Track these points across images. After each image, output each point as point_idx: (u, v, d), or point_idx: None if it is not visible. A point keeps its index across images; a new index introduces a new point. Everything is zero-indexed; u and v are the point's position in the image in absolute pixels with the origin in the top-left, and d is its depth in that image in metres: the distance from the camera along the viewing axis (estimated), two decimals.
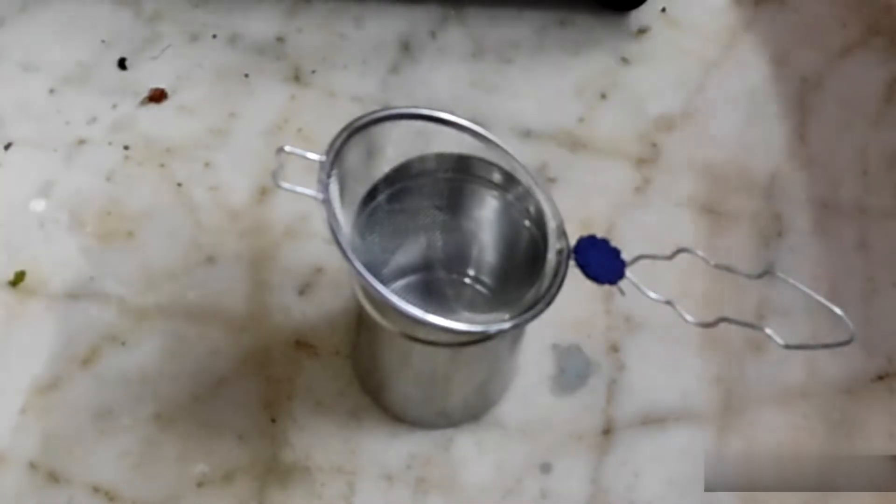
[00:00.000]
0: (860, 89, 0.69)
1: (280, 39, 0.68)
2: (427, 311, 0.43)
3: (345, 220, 0.45)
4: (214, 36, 0.68)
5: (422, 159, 0.49)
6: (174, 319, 0.57)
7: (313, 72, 0.67)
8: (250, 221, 0.61)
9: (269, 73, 0.67)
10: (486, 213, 0.52)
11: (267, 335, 0.57)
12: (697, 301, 0.58)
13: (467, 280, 0.57)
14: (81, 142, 0.63)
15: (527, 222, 0.49)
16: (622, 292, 0.47)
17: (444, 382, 0.52)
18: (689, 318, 0.47)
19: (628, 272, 0.47)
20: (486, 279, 0.57)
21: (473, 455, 0.54)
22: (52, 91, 0.65)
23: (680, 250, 0.48)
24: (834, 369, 0.58)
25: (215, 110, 0.65)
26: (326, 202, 0.43)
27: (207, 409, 0.55)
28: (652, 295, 0.47)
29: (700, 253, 0.48)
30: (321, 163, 0.44)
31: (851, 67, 0.70)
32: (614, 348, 0.58)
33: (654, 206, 0.63)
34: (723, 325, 0.47)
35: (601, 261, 0.47)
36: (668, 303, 0.47)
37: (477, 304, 0.57)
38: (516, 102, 0.67)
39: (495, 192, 0.51)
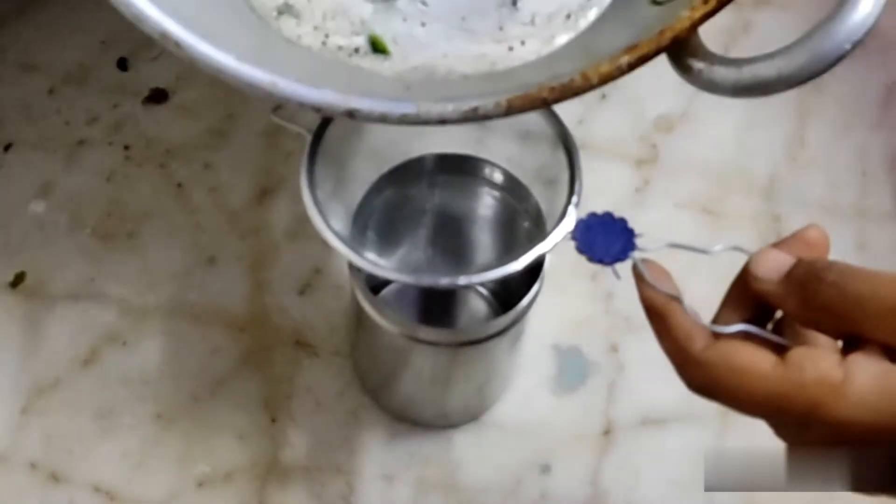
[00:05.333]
0: (860, 91, 0.69)
1: None
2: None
3: (343, 220, 0.45)
4: None
5: (420, 160, 0.49)
6: (174, 320, 0.57)
7: None
8: (250, 222, 0.61)
9: None
10: (485, 213, 0.52)
11: (267, 335, 0.57)
12: (697, 302, 0.58)
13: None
14: (81, 142, 0.63)
15: (526, 223, 0.50)
16: (617, 276, 0.41)
17: (444, 382, 0.52)
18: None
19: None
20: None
21: (473, 455, 0.54)
22: (51, 91, 0.65)
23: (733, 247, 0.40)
24: None
25: (215, 110, 0.65)
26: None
27: (207, 409, 0.55)
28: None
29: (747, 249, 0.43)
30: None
31: (851, 70, 0.70)
32: (614, 349, 0.58)
33: (654, 207, 0.63)
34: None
35: (605, 239, 0.42)
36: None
37: (476, 305, 0.57)
38: None
39: (494, 193, 0.51)
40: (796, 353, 0.35)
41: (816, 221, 0.62)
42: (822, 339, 0.37)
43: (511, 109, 0.36)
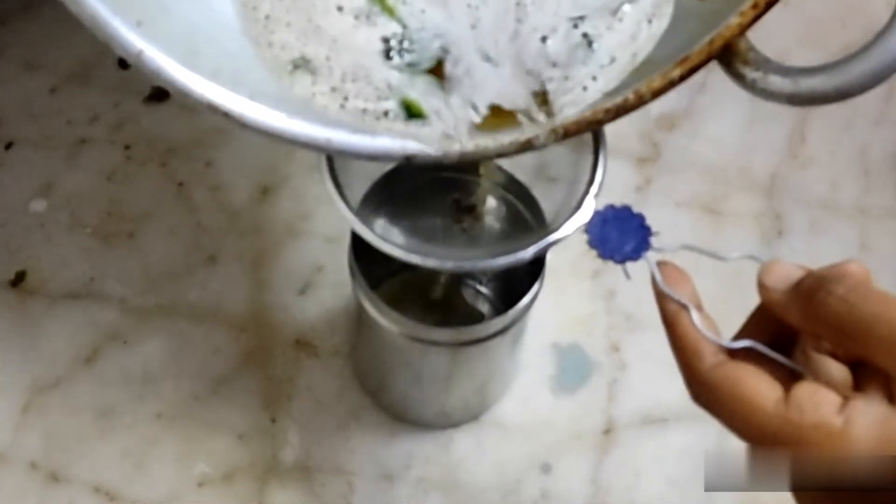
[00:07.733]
0: None
1: None
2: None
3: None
4: None
5: None
6: (175, 319, 0.57)
7: None
8: (251, 221, 0.61)
9: None
10: (487, 212, 0.52)
11: (267, 335, 0.57)
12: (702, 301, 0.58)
13: (468, 280, 0.57)
14: (83, 141, 0.63)
15: (528, 222, 0.50)
16: (627, 276, 0.39)
17: (444, 382, 0.52)
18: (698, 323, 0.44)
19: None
20: (485, 279, 0.57)
21: (473, 455, 0.54)
22: (53, 90, 0.65)
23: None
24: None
25: None
26: None
27: (208, 408, 0.55)
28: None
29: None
30: None
31: None
32: (615, 348, 0.58)
33: (655, 206, 0.63)
34: (724, 324, 0.47)
35: (619, 235, 0.39)
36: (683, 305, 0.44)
37: (477, 303, 0.57)
38: None
39: (496, 192, 0.51)
40: (800, 392, 0.33)
41: (818, 220, 0.63)
42: (835, 368, 0.36)
43: (567, 135, 0.35)
